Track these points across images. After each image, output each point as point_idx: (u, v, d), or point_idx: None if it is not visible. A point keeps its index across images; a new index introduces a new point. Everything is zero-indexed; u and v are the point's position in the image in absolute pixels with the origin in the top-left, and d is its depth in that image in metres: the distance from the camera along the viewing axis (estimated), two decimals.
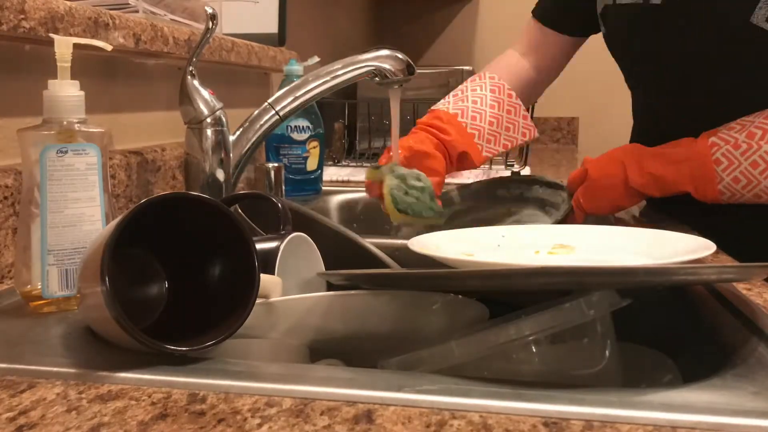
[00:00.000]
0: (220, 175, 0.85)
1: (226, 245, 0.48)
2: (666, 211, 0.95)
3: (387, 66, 0.86)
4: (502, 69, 1.06)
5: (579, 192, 0.86)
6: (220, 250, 0.49)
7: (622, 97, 1.05)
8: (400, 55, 0.86)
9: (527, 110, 1.05)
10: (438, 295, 0.56)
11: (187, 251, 0.50)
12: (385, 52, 0.86)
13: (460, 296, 0.57)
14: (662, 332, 0.62)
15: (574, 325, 0.46)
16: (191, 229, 0.49)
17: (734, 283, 0.63)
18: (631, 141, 1.02)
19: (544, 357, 0.47)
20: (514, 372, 0.47)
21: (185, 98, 0.82)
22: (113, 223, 0.44)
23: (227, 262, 0.49)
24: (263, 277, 0.49)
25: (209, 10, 0.78)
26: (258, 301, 0.48)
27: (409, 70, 0.87)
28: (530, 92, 1.10)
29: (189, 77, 0.81)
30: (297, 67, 1.15)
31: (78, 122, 0.55)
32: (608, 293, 0.48)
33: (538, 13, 1.12)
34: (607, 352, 0.49)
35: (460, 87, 1.05)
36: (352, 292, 0.53)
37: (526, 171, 1.41)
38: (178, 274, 0.52)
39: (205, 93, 0.82)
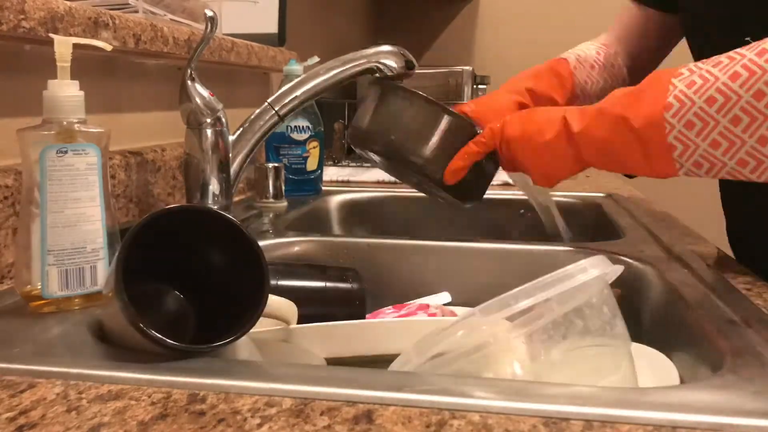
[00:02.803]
0: (220, 175, 0.85)
1: (235, 257, 0.48)
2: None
3: (387, 62, 0.86)
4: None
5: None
6: (230, 262, 0.49)
7: None
8: (400, 51, 0.86)
9: None
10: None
11: (196, 260, 0.50)
12: (385, 48, 0.86)
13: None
14: (662, 332, 0.62)
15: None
16: (203, 239, 0.49)
17: (734, 283, 0.63)
18: None
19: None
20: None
21: (185, 99, 0.82)
22: (130, 232, 0.44)
23: (234, 272, 0.49)
24: (281, 301, 0.49)
25: (208, 13, 0.78)
26: (277, 327, 0.49)
27: (410, 65, 0.87)
28: (625, 79, 0.99)
29: (189, 79, 0.81)
30: (297, 67, 1.14)
31: (78, 122, 0.55)
32: (601, 261, 0.48)
33: None
34: (625, 362, 0.49)
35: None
36: (376, 321, 0.53)
37: None
38: (188, 282, 0.51)
39: (206, 94, 0.82)
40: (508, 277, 0.80)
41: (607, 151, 0.66)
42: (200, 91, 0.81)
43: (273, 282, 0.57)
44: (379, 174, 1.40)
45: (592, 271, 0.47)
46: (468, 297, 0.81)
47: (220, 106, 0.83)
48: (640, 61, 0.99)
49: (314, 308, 0.59)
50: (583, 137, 0.68)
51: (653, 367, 0.56)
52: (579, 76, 0.92)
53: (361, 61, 0.86)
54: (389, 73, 0.86)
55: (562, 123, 0.69)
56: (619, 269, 0.50)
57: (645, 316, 0.68)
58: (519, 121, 0.74)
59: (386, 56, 0.85)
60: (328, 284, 0.65)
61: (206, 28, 0.77)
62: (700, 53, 0.83)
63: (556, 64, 0.93)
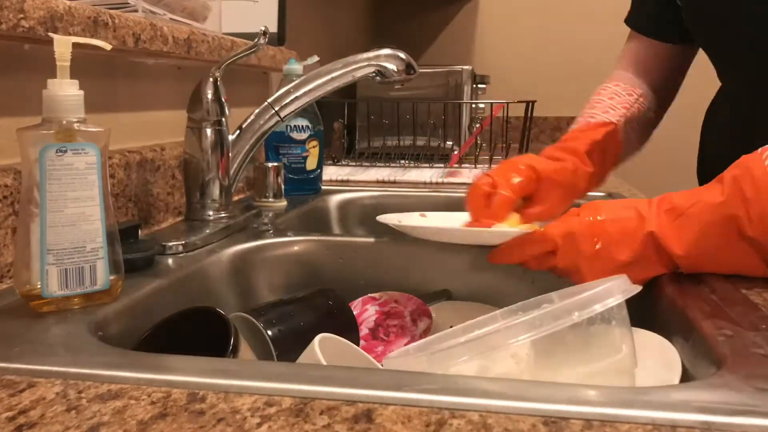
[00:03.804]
0: (220, 174, 0.85)
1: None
2: None
3: (388, 65, 0.86)
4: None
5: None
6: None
7: None
8: (401, 54, 0.86)
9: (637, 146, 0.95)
10: None
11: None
12: (386, 51, 0.86)
13: None
14: (661, 331, 0.62)
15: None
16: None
17: (734, 283, 0.63)
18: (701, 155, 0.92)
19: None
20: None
21: (200, 101, 0.83)
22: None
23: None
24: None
25: (262, 28, 0.82)
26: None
27: (410, 69, 0.87)
28: (653, 113, 0.96)
29: (212, 84, 0.82)
30: (297, 67, 1.14)
31: (77, 122, 0.55)
32: (621, 282, 0.49)
33: (634, 23, 0.98)
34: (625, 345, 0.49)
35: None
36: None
37: None
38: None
39: (223, 101, 0.84)
40: (507, 277, 0.80)
41: (715, 264, 0.61)
42: (220, 96, 0.83)
43: (275, 330, 0.61)
44: (379, 173, 1.40)
45: (610, 300, 0.47)
46: (468, 297, 0.81)
47: (228, 111, 0.84)
48: (659, 95, 0.97)
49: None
50: (685, 260, 0.61)
51: (655, 351, 0.56)
52: (624, 141, 0.89)
53: (362, 64, 0.86)
54: (390, 77, 0.86)
55: (650, 241, 0.62)
56: (636, 289, 0.50)
57: (644, 315, 0.68)
58: (589, 235, 0.64)
59: (387, 59, 0.85)
60: (320, 314, 0.67)
61: (257, 40, 0.82)
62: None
63: (610, 134, 0.86)
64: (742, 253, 0.59)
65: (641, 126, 0.93)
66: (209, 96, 0.83)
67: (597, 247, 0.63)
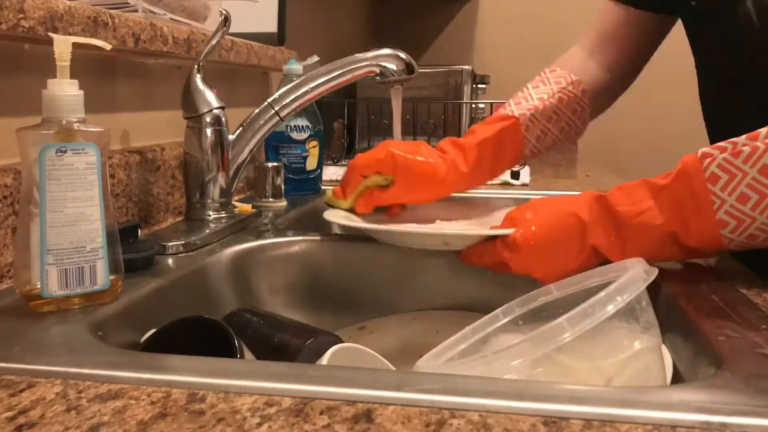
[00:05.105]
0: (220, 174, 0.85)
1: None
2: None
3: (388, 65, 0.86)
4: (565, 67, 0.93)
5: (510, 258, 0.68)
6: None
7: (622, 98, 1.03)
8: (401, 54, 0.86)
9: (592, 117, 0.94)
10: None
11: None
12: (386, 51, 0.86)
13: None
14: (661, 331, 0.62)
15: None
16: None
17: (734, 283, 0.63)
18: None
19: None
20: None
21: (189, 96, 0.82)
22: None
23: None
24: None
25: (224, 12, 0.81)
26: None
27: (410, 69, 0.87)
28: (601, 96, 0.94)
29: (195, 76, 0.82)
30: (296, 67, 1.14)
31: (77, 121, 0.55)
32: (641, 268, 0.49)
33: None
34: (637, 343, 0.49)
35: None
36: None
37: (525, 171, 1.41)
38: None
39: (209, 92, 0.83)
40: (507, 276, 0.79)
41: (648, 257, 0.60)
42: (203, 90, 0.83)
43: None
44: None
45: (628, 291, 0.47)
46: (469, 295, 0.81)
47: (220, 104, 0.84)
48: (621, 68, 0.94)
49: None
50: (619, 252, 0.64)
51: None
52: (531, 135, 0.88)
53: (362, 64, 0.86)
54: (390, 77, 0.86)
55: (593, 253, 0.65)
56: (654, 271, 0.51)
57: None
58: (535, 247, 0.67)
59: (387, 59, 0.86)
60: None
61: (219, 26, 0.81)
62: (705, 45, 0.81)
63: (507, 129, 0.87)
64: (676, 254, 0.64)
65: (571, 113, 0.91)
66: (195, 89, 0.83)
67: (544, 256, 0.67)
